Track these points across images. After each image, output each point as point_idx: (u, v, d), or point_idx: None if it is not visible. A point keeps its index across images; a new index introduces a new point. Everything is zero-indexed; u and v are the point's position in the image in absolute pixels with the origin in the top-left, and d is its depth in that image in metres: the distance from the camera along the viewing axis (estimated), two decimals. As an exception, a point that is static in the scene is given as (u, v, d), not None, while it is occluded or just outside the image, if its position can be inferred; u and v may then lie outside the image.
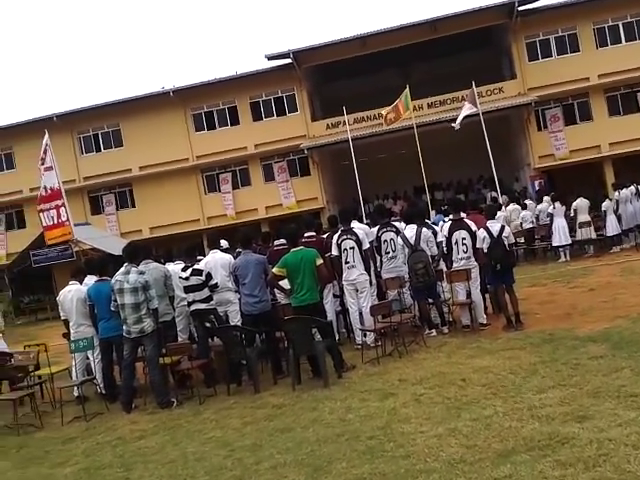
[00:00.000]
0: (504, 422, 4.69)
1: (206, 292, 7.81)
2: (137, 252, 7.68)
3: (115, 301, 7.19)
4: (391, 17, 70.74)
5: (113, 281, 7.27)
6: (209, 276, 7.84)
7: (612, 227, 14.29)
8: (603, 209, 14.39)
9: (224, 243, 10.16)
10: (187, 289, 7.88)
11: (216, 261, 8.26)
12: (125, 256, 7.46)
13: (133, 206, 28.31)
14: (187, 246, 8.79)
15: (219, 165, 27.50)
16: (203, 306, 7.80)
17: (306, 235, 8.67)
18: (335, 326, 8.42)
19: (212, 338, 8.03)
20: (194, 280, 7.79)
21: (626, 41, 24.75)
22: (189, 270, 7.87)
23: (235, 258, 8.31)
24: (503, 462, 4.00)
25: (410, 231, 8.70)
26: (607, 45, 24.87)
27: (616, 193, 15.04)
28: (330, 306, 8.49)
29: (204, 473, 4.85)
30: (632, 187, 14.80)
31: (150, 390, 7.35)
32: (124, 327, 7.18)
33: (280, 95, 27.14)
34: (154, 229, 27.14)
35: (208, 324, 7.78)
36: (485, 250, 8.25)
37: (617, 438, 4.02)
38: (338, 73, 26.37)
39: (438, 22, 24.53)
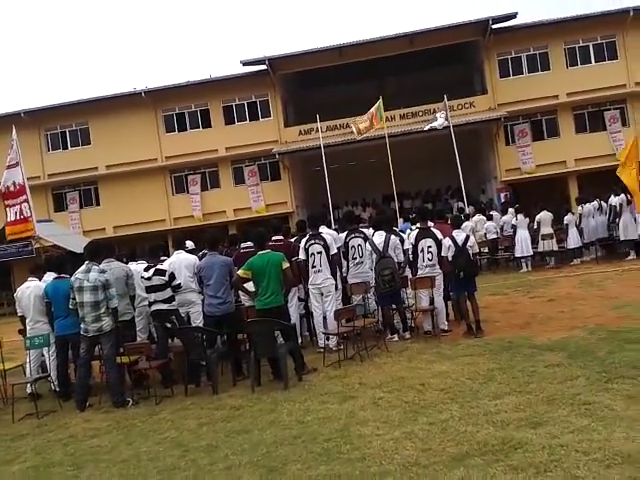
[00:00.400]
0: (460, 426, 4.73)
1: (168, 292, 7.70)
2: (99, 250, 7.56)
3: (74, 299, 7.05)
4: (369, 28, 71.44)
5: (73, 279, 7.13)
6: (172, 276, 7.74)
7: (573, 240, 14.62)
8: (565, 222, 14.72)
9: (190, 244, 10.06)
10: (149, 289, 7.77)
11: (180, 262, 8.17)
12: (87, 254, 7.33)
13: (98, 204, 27.89)
14: (151, 246, 8.66)
15: (188, 166, 27.31)
16: (165, 306, 7.69)
17: (274, 239, 8.66)
18: (298, 329, 8.43)
19: (172, 339, 7.94)
20: (156, 280, 7.68)
21: (595, 62, 25.46)
22: (152, 270, 7.76)
23: (200, 259, 8.23)
24: (457, 466, 4.03)
25: (378, 238, 8.77)
26: (577, 65, 25.55)
27: (579, 207, 15.41)
28: (294, 309, 8.50)
29: (156, 473, 4.76)
30: (595, 202, 15.17)
31: (106, 389, 7.22)
32: (82, 325, 7.04)
33: (254, 100, 27.12)
34: (118, 228, 26.76)
35: (169, 325, 7.68)
36: (450, 258, 8.36)
37: (569, 444, 4.09)
38: (313, 81, 26.50)
39: (415, 36, 24.87)
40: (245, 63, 25.46)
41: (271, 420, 5.61)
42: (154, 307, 7.75)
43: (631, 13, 24.17)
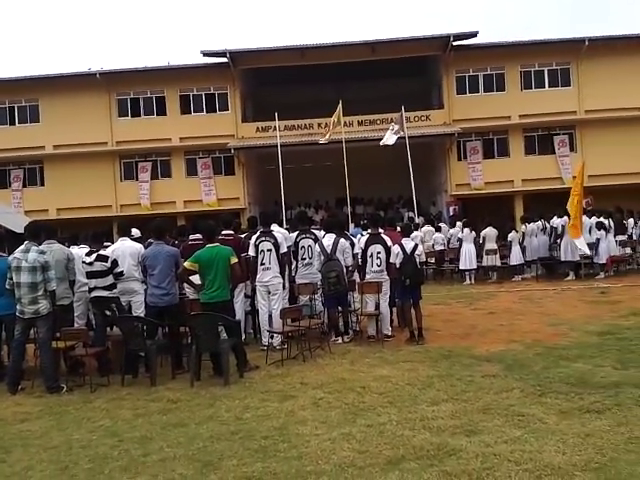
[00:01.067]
0: (397, 430, 4.78)
1: (110, 279, 7.48)
2: (40, 231, 7.30)
3: (11, 279, 6.78)
4: (334, 34, 71.82)
5: (11, 258, 6.85)
6: (115, 263, 7.53)
7: (516, 257, 15.08)
8: (509, 239, 15.18)
9: (135, 232, 9.83)
10: (90, 274, 7.53)
11: (125, 249, 7.96)
12: (27, 234, 7.06)
13: (42, 184, 26.90)
14: (95, 231, 8.40)
15: (139, 153, 26.69)
16: (105, 293, 7.47)
17: (224, 233, 8.55)
18: (243, 326, 8.36)
19: (111, 327, 7.71)
20: (98, 266, 7.45)
21: (549, 87, 26.36)
22: (94, 255, 7.52)
23: (146, 248, 8.03)
24: (392, 469, 4.06)
25: (328, 240, 8.81)
26: (531, 88, 26.39)
27: (523, 226, 15.92)
28: (240, 306, 8.43)
29: (88, 461, 4.62)
30: (539, 222, 15.70)
31: (39, 373, 6.95)
32: (18, 306, 6.78)
33: (212, 92, 26.77)
34: (62, 210, 25.86)
35: (108, 312, 7.45)
36: (397, 265, 8.46)
37: (502, 454, 4.18)
38: (274, 79, 26.40)
39: (377, 45, 25.14)
40: (206, 54, 25.10)
41: (209, 415, 5.52)
42: (94, 293, 7.51)
43: (586, 43, 25.16)
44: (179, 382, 6.86)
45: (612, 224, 14.67)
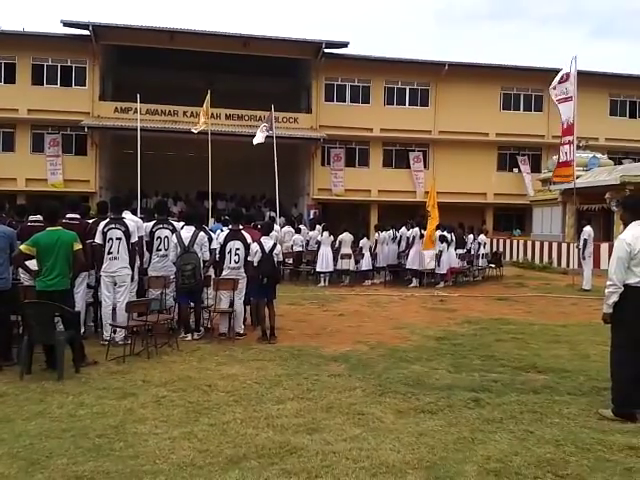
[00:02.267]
0: (240, 429, 4.71)
1: None
2: None
3: None
4: (209, 23, 70.15)
5: None
6: None
7: (366, 263, 15.77)
8: (360, 245, 15.84)
9: (-34, 208, 8.80)
10: None
11: (-48, 226, 7.09)
12: None
13: None
14: None
15: (-21, 122, 24.12)
16: None
17: (68, 216, 7.91)
18: (83, 318, 7.77)
19: None
20: None
21: (409, 104, 27.98)
22: None
23: (-22, 226, 7.20)
24: (232, 468, 3.99)
25: (187, 232, 8.50)
26: (393, 104, 27.86)
27: (377, 234, 16.71)
28: (81, 296, 7.82)
29: None
30: (391, 231, 16.55)
31: None
32: None
33: (69, 65, 24.99)
34: None
35: None
36: (255, 263, 8.40)
37: (341, 452, 4.27)
38: (139, 59, 25.21)
39: (250, 40, 25.05)
40: (66, 24, 23.36)
41: (39, 411, 5.06)
42: None
43: (446, 67, 27.10)
44: (6, 374, 6.22)
45: (454, 238, 15.86)
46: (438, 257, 15.21)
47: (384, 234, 16.49)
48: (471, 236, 17.86)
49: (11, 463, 4.02)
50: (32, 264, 6.63)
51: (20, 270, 7.18)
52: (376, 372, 6.55)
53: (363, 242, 15.93)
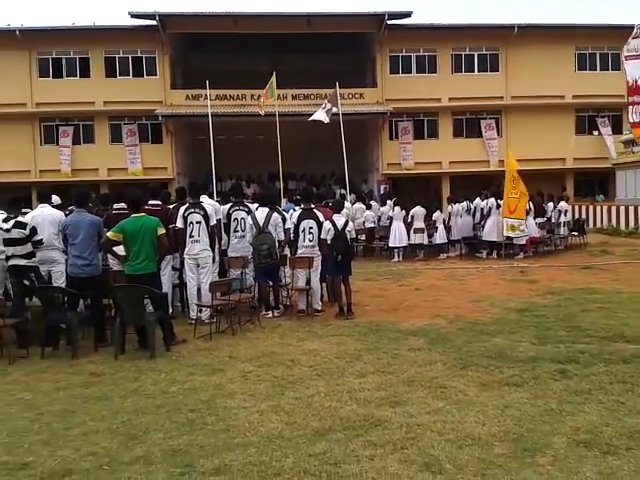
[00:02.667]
0: (325, 402, 4.83)
1: (28, 247, 7.12)
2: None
3: None
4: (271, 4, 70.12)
5: None
6: (33, 231, 7.16)
7: (441, 236, 15.52)
8: (434, 219, 15.58)
9: (56, 199, 9.37)
10: (7, 242, 7.11)
11: (45, 216, 7.60)
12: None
13: (-45, 146, 25.15)
14: (12, 197, 7.92)
15: (61, 116, 25.43)
16: (23, 262, 7.10)
17: (150, 203, 8.30)
18: (170, 299, 8.16)
19: (31, 297, 7.33)
20: (16, 233, 7.06)
21: (478, 71, 27.05)
22: (12, 221, 7.12)
23: (67, 216, 7.66)
24: (319, 439, 4.11)
25: (261, 213, 8.73)
26: (461, 72, 26.99)
27: (449, 206, 16.39)
28: (167, 278, 8.21)
29: (6, 435, 4.42)
30: (464, 203, 16.18)
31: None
32: None
33: (139, 55, 25.76)
34: (-24, 175, 24.32)
35: (27, 282, 7.09)
36: (329, 241, 8.49)
37: (424, 424, 4.30)
38: (206, 46, 25.62)
39: (313, 18, 24.88)
40: (134, 15, 24.06)
41: (134, 388, 5.39)
42: (12, 262, 7.12)
43: (516, 30, 25.96)
44: (102, 355, 6.64)
45: (532, 207, 15.31)
46: (483, 224, 14.86)
47: (457, 206, 16.14)
48: (551, 204, 17.16)
49: (112, 438, 4.28)
50: (119, 250, 7.01)
51: (109, 256, 7.60)
52: (456, 345, 6.50)
53: (436, 215, 15.67)
